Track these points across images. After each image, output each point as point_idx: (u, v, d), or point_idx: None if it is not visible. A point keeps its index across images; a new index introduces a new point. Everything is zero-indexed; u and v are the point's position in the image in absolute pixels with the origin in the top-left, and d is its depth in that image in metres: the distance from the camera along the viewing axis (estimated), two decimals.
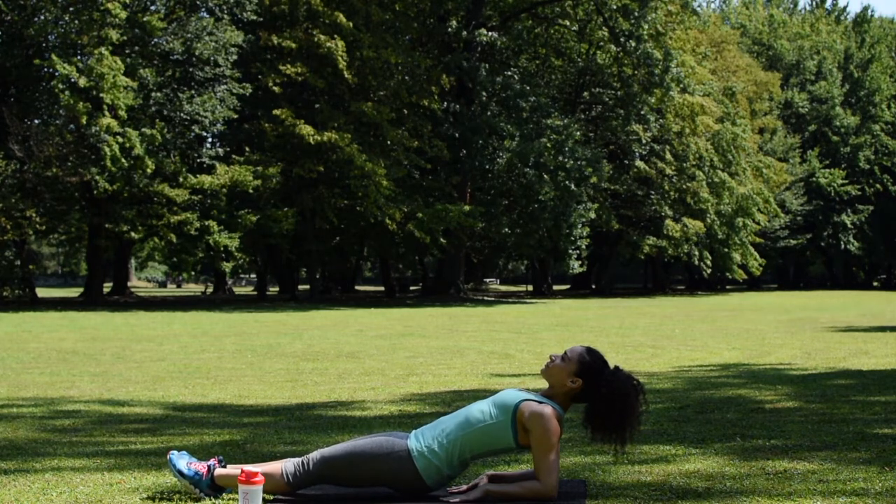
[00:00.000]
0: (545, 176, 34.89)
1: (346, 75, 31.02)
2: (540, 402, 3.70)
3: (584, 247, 40.48)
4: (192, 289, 64.41)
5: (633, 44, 36.73)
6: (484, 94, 35.90)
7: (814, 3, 69.00)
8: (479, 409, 3.75)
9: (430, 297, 37.54)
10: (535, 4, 38.94)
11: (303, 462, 3.73)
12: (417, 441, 3.73)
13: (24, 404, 6.99)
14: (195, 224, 29.13)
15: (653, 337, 14.93)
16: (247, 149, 31.47)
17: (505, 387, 7.92)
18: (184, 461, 3.80)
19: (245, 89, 30.63)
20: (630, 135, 41.29)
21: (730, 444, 4.82)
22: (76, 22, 28.08)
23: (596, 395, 3.75)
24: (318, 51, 30.80)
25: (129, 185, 27.97)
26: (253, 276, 56.94)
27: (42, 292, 39.38)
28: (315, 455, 3.74)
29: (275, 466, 3.74)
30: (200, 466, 3.79)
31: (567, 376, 3.77)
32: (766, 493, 3.69)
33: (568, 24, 40.22)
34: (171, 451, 3.87)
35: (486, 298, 37.86)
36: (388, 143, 32.73)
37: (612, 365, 3.84)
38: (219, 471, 3.77)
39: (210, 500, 3.74)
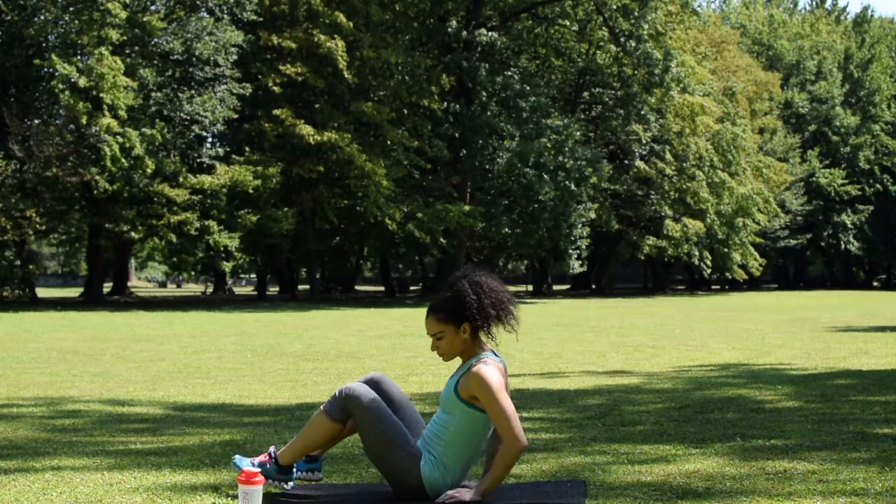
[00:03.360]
0: (545, 176, 34.88)
1: (346, 75, 31.02)
2: (467, 370, 3.67)
3: (584, 247, 40.49)
4: (192, 289, 64.42)
5: (633, 44, 36.73)
6: (484, 94, 35.88)
7: (814, 3, 69.00)
8: (440, 423, 3.72)
9: (430, 297, 37.53)
10: (535, 4, 38.93)
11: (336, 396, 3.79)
12: (424, 442, 3.74)
13: (24, 404, 6.99)
14: (195, 224, 29.13)
15: (653, 337, 14.93)
16: (247, 149, 31.47)
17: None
18: (247, 460, 3.83)
19: (245, 89, 30.63)
20: (630, 135, 41.29)
21: (730, 444, 4.81)
22: (76, 22, 28.06)
23: (480, 311, 3.68)
24: (318, 51, 30.80)
25: (129, 185, 27.95)
26: (253, 276, 56.92)
27: (42, 292, 39.37)
28: (352, 395, 3.74)
29: (313, 420, 3.80)
30: (262, 457, 3.84)
31: (456, 335, 3.72)
32: (766, 493, 3.69)
33: (568, 24, 40.22)
34: (235, 455, 3.96)
35: None
36: (388, 143, 32.74)
37: (450, 287, 3.74)
38: (280, 451, 3.83)
39: (283, 486, 3.81)
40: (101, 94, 26.86)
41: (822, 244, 58.21)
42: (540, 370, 9.52)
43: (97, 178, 27.21)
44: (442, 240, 33.39)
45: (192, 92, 30.08)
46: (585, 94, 43.88)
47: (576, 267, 40.78)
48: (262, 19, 31.71)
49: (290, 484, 3.83)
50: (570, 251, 38.51)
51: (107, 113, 27.36)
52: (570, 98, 43.48)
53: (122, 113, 27.38)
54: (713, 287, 57.55)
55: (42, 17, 29.00)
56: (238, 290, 54.89)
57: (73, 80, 27.01)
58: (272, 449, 3.85)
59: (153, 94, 29.42)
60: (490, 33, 35.50)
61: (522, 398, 7.10)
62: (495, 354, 3.77)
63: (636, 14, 36.12)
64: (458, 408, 3.68)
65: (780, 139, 54.60)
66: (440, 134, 34.42)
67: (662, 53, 36.45)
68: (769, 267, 53.88)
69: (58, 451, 4.88)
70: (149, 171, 27.69)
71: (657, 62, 36.33)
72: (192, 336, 15.80)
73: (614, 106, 42.16)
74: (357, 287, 55.17)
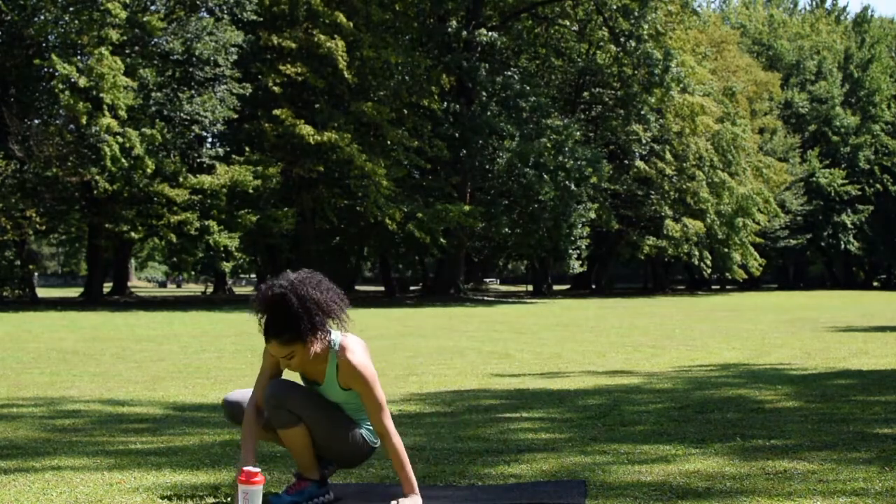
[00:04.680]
0: (545, 176, 34.91)
1: (346, 75, 31.02)
2: (339, 363, 3.61)
3: (584, 247, 40.50)
4: (192, 289, 64.40)
5: (633, 44, 36.75)
6: (484, 94, 35.90)
7: (814, 3, 69.02)
8: (351, 407, 3.73)
9: (430, 297, 37.53)
10: (535, 4, 38.96)
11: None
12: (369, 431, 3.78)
13: (24, 404, 6.99)
14: (195, 224, 29.12)
15: (653, 337, 14.93)
16: (247, 149, 31.47)
17: (504, 387, 7.93)
18: (287, 498, 3.66)
19: (245, 89, 30.62)
20: (630, 135, 41.30)
21: (730, 444, 4.82)
22: (76, 22, 28.06)
23: (318, 326, 3.56)
24: (318, 51, 30.81)
25: (129, 185, 27.95)
26: (253, 276, 56.98)
27: (42, 292, 39.35)
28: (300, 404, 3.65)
29: (283, 439, 3.75)
30: (298, 485, 3.71)
31: (305, 349, 3.57)
32: (766, 493, 3.69)
33: (568, 24, 40.24)
34: (271, 497, 3.67)
35: (486, 298, 37.85)
36: (388, 143, 32.76)
37: (275, 303, 3.54)
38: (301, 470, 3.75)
39: (327, 496, 3.73)
40: (101, 94, 26.85)
41: (822, 244, 58.22)
42: (540, 370, 9.52)
43: (97, 178, 27.20)
44: (442, 240, 33.39)
45: (192, 92, 30.08)
46: (585, 94, 43.89)
47: (576, 267, 40.78)
48: (262, 19, 31.71)
49: (330, 495, 3.76)
50: (570, 251, 38.52)
51: (107, 113, 27.35)
52: (570, 98, 43.49)
53: (122, 113, 27.37)
54: (713, 287, 57.55)
55: (42, 17, 28.99)
56: (238, 290, 54.86)
57: (73, 80, 27.00)
58: (296, 472, 3.76)
59: (153, 94, 29.41)
60: (490, 33, 35.53)
61: (522, 398, 7.10)
62: (338, 333, 3.68)
63: (636, 14, 36.15)
64: (353, 395, 3.66)
65: (780, 139, 54.61)
66: (440, 134, 34.42)
67: (662, 53, 36.47)
68: (769, 267, 53.89)
69: (58, 451, 4.88)
70: (149, 171, 27.68)
71: (657, 62, 36.35)
72: (192, 336, 15.79)
73: (614, 106, 42.17)
74: (357, 287, 55.16)
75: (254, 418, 3.70)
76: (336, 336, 3.66)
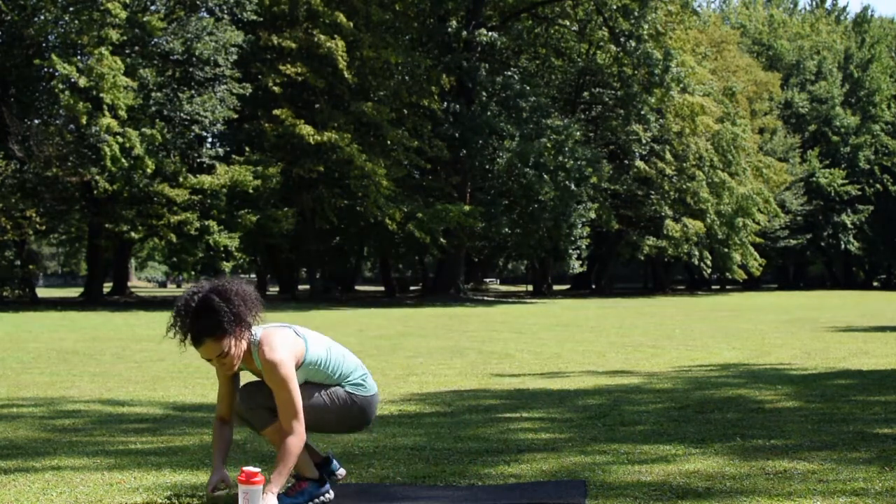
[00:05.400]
0: (545, 176, 34.90)
1: (346, 75, 31.03)
2: (261, 360, 3.64)
3: (584, 247, 40.49)
4: None
5: (633, 44, 36.75)
6: (484, 94, 35.90)
7: (814, 3, 69.02)
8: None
9: (430, 297, 37.52)
10: (535, 4, 38.95)
11: None
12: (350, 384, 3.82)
13: (24, 404, 6.99)
14: (195, 224, 29.11)
15: (653, 337, 14.93)
16: (247, 149, 31.47)
17: (504, 387, 7.93)
18: (288, 500, 3.67)
19: (245, 89, 30.61)
20: (630, 135, 41.30)
21: (730, 444, 4.82)
22: (76, 22, 28.05)
23: (245, 316, 3.61)
24: (318, 51, 30.82)
25: (129, 185, 27.95)
26: (253, 276, 56.92)
27: (42, 292, 39.35)
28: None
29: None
30: (297, 486, 3.72)
31: (237, 343, 3.61)
32: (766, 493, 3.69)
33: (568, 24, 40.24)
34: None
35: (486, 298, 37.85)
36: (388, 143, 32.76)
37: (197, 310, 3.57)
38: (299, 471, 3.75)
39: (327, 496, 3.73)
40: (101, 94, 26.84)
41: (822, 244, 58.21)
42: (540, 370, 9.52)
43: (97, 178, 27.21)
44: (442, 240, 33.39)
45: (192, 92, 30.06)
46: (585, 94, 43.89)
47: (576, 267, 40.78)
48: (262, 19, 31.71)
49: (331, 494, 3.77)
50: (570, 251, 38.52)
51: (107, 113, 27.34)
52: (570, 98, 43.49)
53: (122, 113, 27.36)
54: (713, 287, 57.57)
55: (42, 17, 28.99)
56: None
57: (73, 80, 27.00)
58: (294, 473, 3.74)
59: (153, 94, 29.40)
60: (490, 33, 35.52)
61: (522, 398, 7.10)
62: (258, 329, 3.72)
63: (636, 14, 36.15)
64: (308, 370, 3.72)
65: (780, 139, 54.60)
66: (440, 134, 34.42)
67: (662, 53, 36.47)
68: (769, 267, 53.87)
69: (58, 451, 4.88)
70: (149, 171, 27.67)
71: (657, 62, 36.35)
72: None
73: (614, 106, 42.16)
74: (357, 287, 55.16)
75: (219, 430, 3.84)
76: (256, 331, 3.70)
